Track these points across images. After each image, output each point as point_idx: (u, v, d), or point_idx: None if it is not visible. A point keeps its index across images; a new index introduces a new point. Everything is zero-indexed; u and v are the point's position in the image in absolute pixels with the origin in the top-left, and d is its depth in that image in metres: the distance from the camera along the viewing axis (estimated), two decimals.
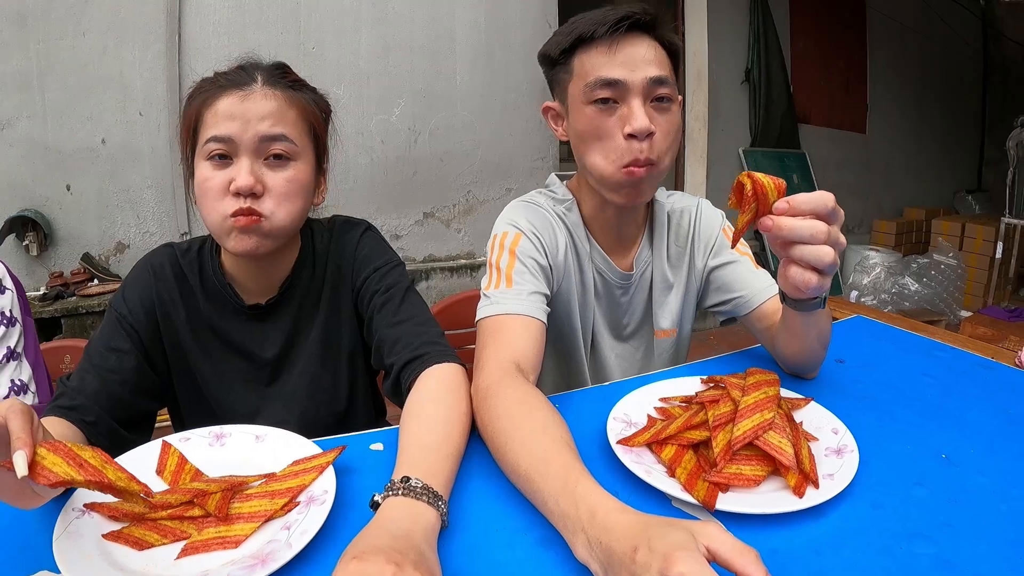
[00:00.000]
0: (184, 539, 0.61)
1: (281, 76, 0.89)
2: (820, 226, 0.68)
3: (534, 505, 0.64)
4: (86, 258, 2.86)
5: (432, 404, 0.76)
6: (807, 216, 0.68)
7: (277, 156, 0.85)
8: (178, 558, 0.59)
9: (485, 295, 0.98)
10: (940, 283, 4.08)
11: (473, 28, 3.31)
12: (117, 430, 0.83)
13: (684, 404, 0.82)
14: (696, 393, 0.82)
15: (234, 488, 0.66)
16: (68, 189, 3.06)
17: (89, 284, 2.77)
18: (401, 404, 0.84)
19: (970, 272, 4.32)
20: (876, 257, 4.32)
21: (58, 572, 0.55)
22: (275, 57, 0.95)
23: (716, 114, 4.15)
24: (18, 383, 1.00)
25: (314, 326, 0.99)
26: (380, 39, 3.17)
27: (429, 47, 3.27)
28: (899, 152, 5.50)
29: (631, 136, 0.92)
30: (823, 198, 0.68)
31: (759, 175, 0.68)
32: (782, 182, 0.69)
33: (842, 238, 0.70)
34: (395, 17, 3.16)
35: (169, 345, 0.95)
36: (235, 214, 0.83)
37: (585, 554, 0.55)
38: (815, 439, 0.75)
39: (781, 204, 0.68)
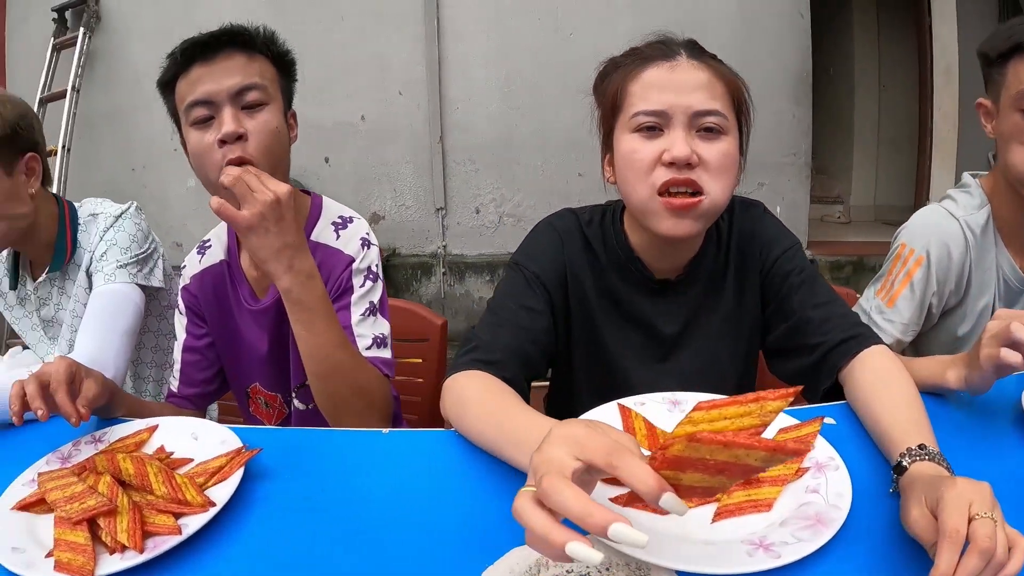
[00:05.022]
0: (710, 502, 0.63)
1: (702, 51, 0.86)
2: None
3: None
4: None
5: (898, 380, 0.78)
6: None
7: (710, 129, 0.82)
8: (713, 521, 0.62)
9: (868, 297, 1.15)
10: None
11: (725, 19, 3.22)
12: (525, 390, 0.83)
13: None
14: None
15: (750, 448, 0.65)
16: (327, 161, 3.31)
17: None
18: (814, 386, 0.86)
19: None
20: None
21: None
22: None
23: (967, 113, 3.81)
24: (379, 336, 1.01)
25: (719, 306, 0.97)
26: (635, 26, 3.12)
27: (681, 35, 3.21)
28: None
29: None
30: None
31: None
32: None
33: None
34: (649, 5, 3.14)
35: (576, 311, 0.95)
36: (666, 186, 0.81)
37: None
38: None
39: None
